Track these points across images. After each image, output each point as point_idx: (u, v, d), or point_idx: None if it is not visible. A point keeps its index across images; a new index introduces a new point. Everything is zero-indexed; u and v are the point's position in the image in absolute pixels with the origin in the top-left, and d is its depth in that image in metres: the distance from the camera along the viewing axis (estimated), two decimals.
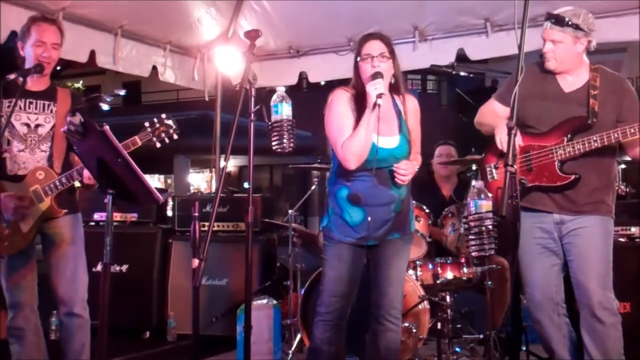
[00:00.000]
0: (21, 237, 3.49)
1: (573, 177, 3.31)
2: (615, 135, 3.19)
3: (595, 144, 3.23)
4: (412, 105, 3.39)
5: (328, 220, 3.39)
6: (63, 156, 3.58)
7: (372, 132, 3.13)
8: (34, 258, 3.61)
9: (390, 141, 3.25)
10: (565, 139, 3.32)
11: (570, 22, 3.23)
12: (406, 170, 3.21)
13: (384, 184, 3.26)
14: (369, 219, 3.24)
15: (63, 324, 3.60)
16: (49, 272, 3.59)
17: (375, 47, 3.24)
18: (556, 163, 3.34)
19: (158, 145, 3.47)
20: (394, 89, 3.35)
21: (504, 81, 3.77)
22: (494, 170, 3.59)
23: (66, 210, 3.57)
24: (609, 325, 3.24)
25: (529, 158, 3.42)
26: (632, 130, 3.15)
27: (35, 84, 3.60)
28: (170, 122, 3.50)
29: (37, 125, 3.56)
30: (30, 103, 3.58)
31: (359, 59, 3.27)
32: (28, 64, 3.53)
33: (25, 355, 3.56)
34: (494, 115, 3.55)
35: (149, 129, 3.47)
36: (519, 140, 3.33)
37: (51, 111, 3.59)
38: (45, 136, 3.57)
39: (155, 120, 3.47)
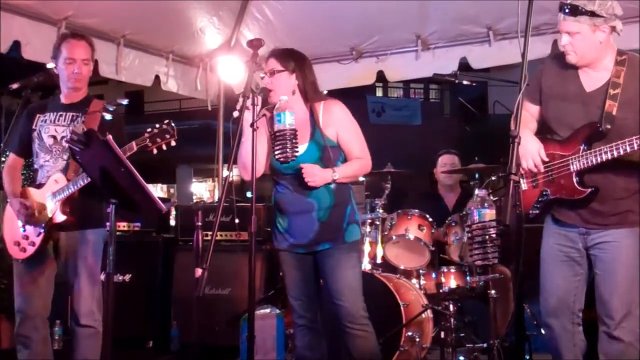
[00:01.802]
0: (32, 242, 3.52)
1: (589, 191, 3.01)
2: (624, 147, 2.85)
3: (606, 156, 2.91)
4: (333, 112, 3.38)
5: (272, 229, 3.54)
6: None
7: (246, 143, 3.17)
8: (50, 266, 3.62)
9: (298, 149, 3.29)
10: (581, 148, 3.02)
11: (584, 10, 2.91)
12: (308, 171, 3.22)
13: (300, 192, 3.33)
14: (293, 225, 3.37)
15: (73, 332, 3.62)
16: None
17: (268, 65, 3.36)
18: (574, 176, 3.04)
19: (155, 151, 3.37)
20: (307, 99, 3.39)
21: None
22: (521, 180, 3.25)
23: (74, 219, 3.53)
24: (627, 344, 3.05)
25: (550, 168, 3.14)
26: (632, 146, 2.83)
27: (69, 97, 3.67)
28: (168, 127, 3.37)
29: (62, 137, 3.60)
30: (60, 116, 3.65)
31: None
32: (62, 82, 3.63)
33: None
34: (527, 116, 3.22)
35: (147, 134, 3.38)
36: (542, 151, 3.12)
37: (77, 123, 3.61)
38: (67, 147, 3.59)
39: (157, 125, 3.38)
